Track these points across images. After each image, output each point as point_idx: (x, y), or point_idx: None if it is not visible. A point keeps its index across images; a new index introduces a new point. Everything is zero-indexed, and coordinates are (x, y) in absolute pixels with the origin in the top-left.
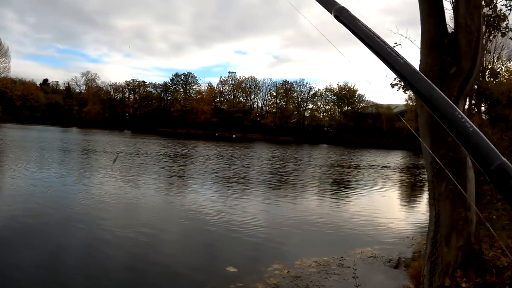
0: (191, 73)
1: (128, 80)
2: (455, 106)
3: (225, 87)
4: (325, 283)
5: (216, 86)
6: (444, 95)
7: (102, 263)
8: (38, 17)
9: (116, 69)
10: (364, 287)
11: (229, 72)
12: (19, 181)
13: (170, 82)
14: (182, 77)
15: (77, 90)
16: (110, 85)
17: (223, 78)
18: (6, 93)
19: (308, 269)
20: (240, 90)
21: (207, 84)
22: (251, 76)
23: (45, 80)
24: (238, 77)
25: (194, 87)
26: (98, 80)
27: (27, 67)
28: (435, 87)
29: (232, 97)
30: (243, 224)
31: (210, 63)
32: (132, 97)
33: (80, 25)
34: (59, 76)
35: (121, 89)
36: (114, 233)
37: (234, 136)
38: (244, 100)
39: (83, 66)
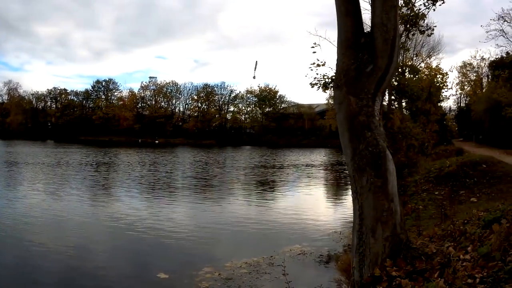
0: (112, 79)
1: (50, 88)
2: None
3: (146, 92)
4: (257, 283)
5: (138, 91)
6: None
7: (30, 281)
8: None
9: (38, 77)
10: (295, 283)
11: (150, 77)
12: None
13: (92, 89)
14: (104, 83)
15: (0, 100)
16: (32, 94)
17: (144, 83)
18: None
19: (239, 270)
20: (161, 95)
21: (128, 90)
22: (172, 81)
23: None
24: (159, 82)
25: (115, 93)
26: (20, 89)
27: None
28: None
29: (153, 103)
30: (170, 230)
31: (131, 69)
32: (54, 105)
33: (2, 32)
34: None
35: (43, 97)
36: (40, 248)
37: (157, 141)
38: (165, 105)
39: (5, 75)
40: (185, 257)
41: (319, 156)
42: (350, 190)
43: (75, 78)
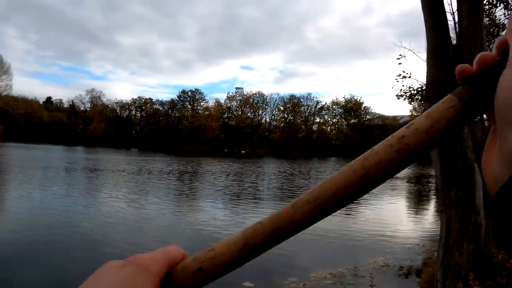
0: (198, 89)
1: (134, 98)
2: None
3: (232, 103)
4: None
5: (224, 102)
6: None
7: None
8: (41, 35)
9: (122, 86)
10: None
11: (236, 88)
12: (15, 203)
13: (177, 99)
14: (189, 93)
15: (82, 108)
16: (116, 103)
17: (231, 94)
18: (8, 112)
19: (324, 281)
20: (247, 106)
21: (214, 100)
22: (258, 92)
23: (49, 98)
24: (245, 93)
25: (201, 103)
26: (103, 97)
27: (30, 85)
28: None
29: (240, 113)
30: None
31: (217, 79)
32: (139, 114)
33: (84, 42)
34: (63, 94)
35: (127, 106)
36: (117, 256)
37: (243, 151)
38: (252, 116)
39: (88, 84)
40: (270, 267)
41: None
42: (432, 204)
43: (160, 88)
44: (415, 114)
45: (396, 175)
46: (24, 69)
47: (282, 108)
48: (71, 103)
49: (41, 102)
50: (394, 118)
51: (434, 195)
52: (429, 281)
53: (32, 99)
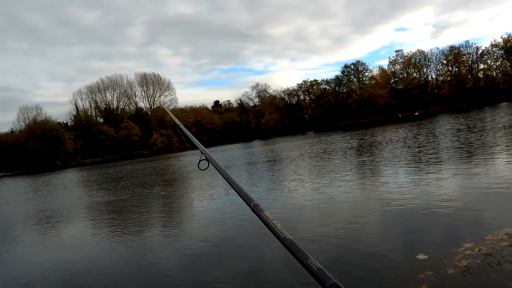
0: (359, 61)
1: (299, 83)
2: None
3: (396, 66)
4: None
5: (387, 67)
6: None
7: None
8: (193, 46)
9: (285, 75)
10: None
11: (396, 51)
12: None
13: (342, 75)
14: (352, 67)
15: (251, 104)
16: (283, 91)
17: (392, 58)
18: None
19: (500, 243)
20: (411, 66)
21: (378, 68)
22: (418, 50)
23: (216, 102)
24: (406, 54)
25: (366, 74)
26: (269, 89)
27: (196, 95)
28: None
29: (405, 75)
30: (433, 204)
31: (375, 47)
32: (308, 98)
33: (236, 42)
34: (229, 95)
35: (295, 92)
36: (309, 233)
37: (416, 113)
38: (417, 76)
39: (251, 80)
40: (446, 234)
41: None
42: None
43: (322, 68)
44: None
45: None
46: (185, 81)
47: (444, 62)
48: (239, 102)
49: (209, 107)
50: None
51: None
52: None
53: (200, 107)
